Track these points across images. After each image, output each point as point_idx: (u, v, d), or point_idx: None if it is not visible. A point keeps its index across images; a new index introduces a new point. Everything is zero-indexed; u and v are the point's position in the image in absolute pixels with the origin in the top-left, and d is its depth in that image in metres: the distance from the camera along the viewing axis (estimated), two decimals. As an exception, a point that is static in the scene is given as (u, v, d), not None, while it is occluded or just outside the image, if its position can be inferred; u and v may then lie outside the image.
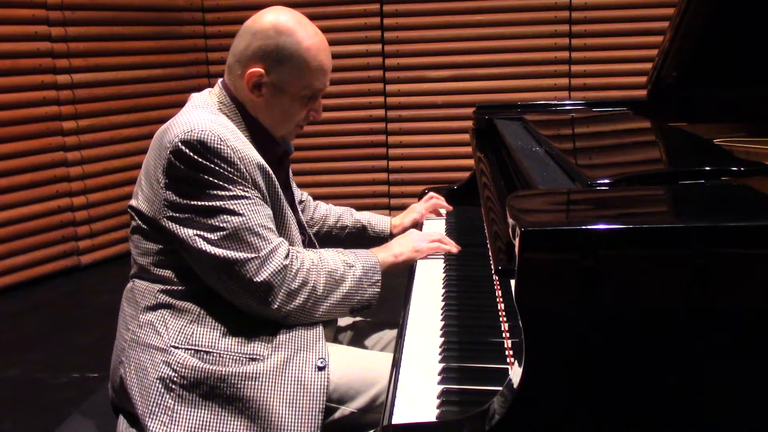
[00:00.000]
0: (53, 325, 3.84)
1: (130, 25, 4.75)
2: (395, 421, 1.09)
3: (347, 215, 2.10)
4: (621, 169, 1.42)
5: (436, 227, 2.10)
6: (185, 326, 1.52)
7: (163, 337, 1.51)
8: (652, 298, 0.94)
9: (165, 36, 4.97)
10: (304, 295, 1.53)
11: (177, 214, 1.50)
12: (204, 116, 1.55)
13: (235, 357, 1.49)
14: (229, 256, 1.48)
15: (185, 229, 1.49)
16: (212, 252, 1.48)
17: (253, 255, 1.48)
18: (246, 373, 1.47)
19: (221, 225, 1.48)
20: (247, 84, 1.60)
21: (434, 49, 5.03)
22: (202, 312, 1.53)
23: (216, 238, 1.48)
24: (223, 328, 1.52)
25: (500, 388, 1.02)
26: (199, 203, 1.49)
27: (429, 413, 1.10)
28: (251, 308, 1.52)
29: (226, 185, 1.49)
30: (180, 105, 1.67)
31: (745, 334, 0.94)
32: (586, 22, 4.88)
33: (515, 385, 0.96)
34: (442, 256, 1.82)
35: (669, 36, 1.97)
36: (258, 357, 1.49)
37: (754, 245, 0.93)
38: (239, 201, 1.50)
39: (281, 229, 1.62)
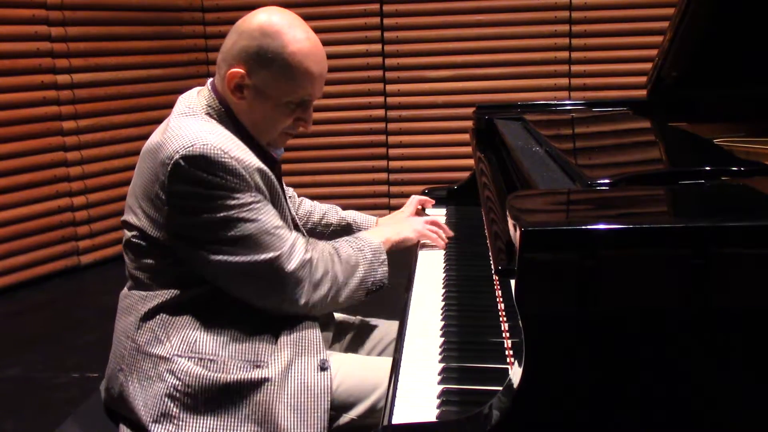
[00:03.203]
0: (53, 325, 3.84)
1: (130, 25, 4.76)
2: (395, 420, 1.09)
3: (332, 213, 2.05)
4: (621, 169, 1.41)
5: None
6: (188, 334, 1.50)
7: (165, 346, 1.50)
8: (652, 298, 0.94)
9: (165, 36, 4.97)
10: (328, 284, 1.54)
11: (189, 231, 1.48)
12: (200, 126, 1.50)
13: (238, 364, 1.48)
14: (254, 259, 1.47)
15: (202, 244, 1.47)
16: (236, 260, 1.47)
17: (276, 253, 1.48)
18: (250, 379, 1.46)
19: (238, 234, 1.46)
20: (228, 85, 1.54)
21: (434, 49, 5.03)
22: (203, 319, 1.52)
23: (236, 248, 1.47)
24: (225, 336, 1.51)
25: (500, 388, 1.02)
26: (212, 216, 1.46)
27: (429, 413, 1.10)
28: (278, 306, 1.52)
29: (234, 195, 1.46)
30: (180, 105, 1.64)
31: (746, 334, 0.94)
32: (586, 22, 4.88)
33: (515, 385, 0.96)
34: (443, 255, 1.82)
35: (669, 36, 1.98)
36: (261, 363, 1.49)
37: (754, 245, 0.93)
38: (249, 207, 1.47)
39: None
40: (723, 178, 1.24)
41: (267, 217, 1.50)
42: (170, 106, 1.65)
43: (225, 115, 1.56)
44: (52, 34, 4.33)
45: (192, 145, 1.44)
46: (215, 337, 1.50)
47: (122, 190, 4.71)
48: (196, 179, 1.45)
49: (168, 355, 1.49)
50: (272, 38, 1.50)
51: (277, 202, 1.58)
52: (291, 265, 1.49)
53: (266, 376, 1.47)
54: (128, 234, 1.57)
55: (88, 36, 4.51)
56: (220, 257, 1.47)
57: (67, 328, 3.76)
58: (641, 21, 4.79)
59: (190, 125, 1.51)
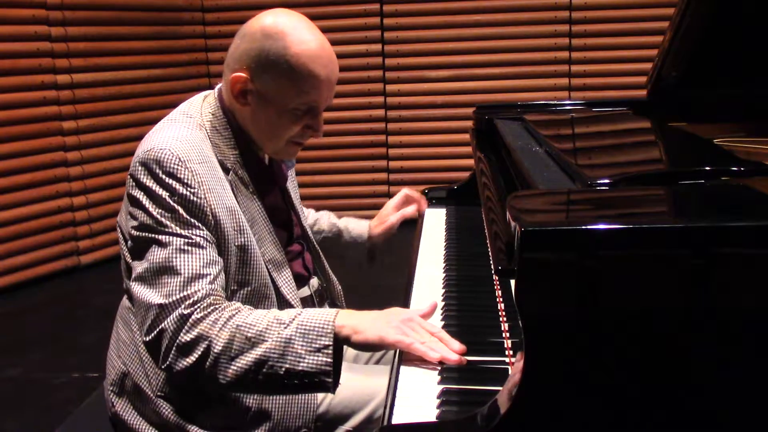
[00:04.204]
0: (53, 325, 3.84)
1: (130, 25, 4.76)
2: (395, 420, 1.08)
3: (324, 219, 1.95)
4: (621, 169, 1.41)
5: (437, 227, 2.09)
6: (169, 377, 1.45)
7: (151, 383, 1.47)
8: (652, 298, 0.94)
9: (165, 36, 4.98)
10: (199, 351, 1.27)
11: (127, 240, 1.43)
12: (172, 133, 1.42)
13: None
14: (139, 295, 1.33)
15: (129, 251, 1.41)
16: (135, 288, 1.34)
17: (162, 301, 1.30)
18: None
19: (152, 259, 1.33)
20: (231, 90, 1.46)
21: (434, 49, 5.04)
22: None
23: (141, 271, 1.34)
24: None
25: (500, 388, 1.02)
26: (135, 233, 1.38)
27: (429, 413, 1.10)
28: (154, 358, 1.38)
29: (166, 221, 1.34)
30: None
31: (746, 334, 0.94)
32: (586, 22, 4.88)
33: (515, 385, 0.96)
34: (443, 255, 1.82)
35: (669, 36, 1.97)
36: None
37: (754, 245, 0.93)
38: (176, 238, 1.34)
39: (244, 271, 1.46)
40: (723, 178, 1.24)
41: (187, 259, 1.33)
42: (170, 106, 1.63)
43: (226, 125, 1.49)
44: (52, 34, 4.33)
45: (150, 149, 1.38)
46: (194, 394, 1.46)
47: (122, 190, 4.63)
48: (142, 185, 1.38)
49: (153, 395, 1.47)
50: (274, 40, 1.41)
51: (243, 243, 1.45)
52: (165, 318, 1.30)
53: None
54: (120, 240, 1.51)
55: (88, 36, 4.51)
56: (133, 277, 1.37)
57: (67, 328, 3.76)
58: (641, 21, 4.79)
59: (166, 130, 1.44)
